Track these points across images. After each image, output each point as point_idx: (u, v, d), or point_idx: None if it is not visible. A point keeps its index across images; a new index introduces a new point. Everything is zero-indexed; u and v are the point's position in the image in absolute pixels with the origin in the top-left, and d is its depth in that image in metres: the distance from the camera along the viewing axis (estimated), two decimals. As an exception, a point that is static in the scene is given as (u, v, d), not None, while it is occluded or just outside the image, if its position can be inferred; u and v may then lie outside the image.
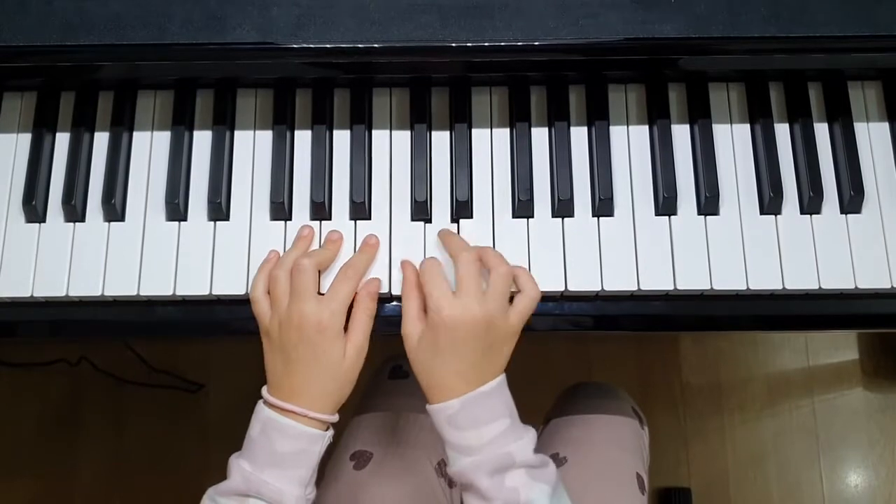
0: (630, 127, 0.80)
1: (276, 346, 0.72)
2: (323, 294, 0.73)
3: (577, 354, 1.58)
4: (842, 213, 0.78)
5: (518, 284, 0.72)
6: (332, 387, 0.71)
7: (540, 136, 0.80)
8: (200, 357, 1.58)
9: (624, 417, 0.96)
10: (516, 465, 0.68)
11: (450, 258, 0.74)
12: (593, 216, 0.78)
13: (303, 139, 0.80)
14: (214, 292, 0.76)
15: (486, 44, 0.71)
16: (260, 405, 0.72)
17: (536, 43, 0.71)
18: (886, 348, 1.58)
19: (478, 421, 0.69)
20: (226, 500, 0.70)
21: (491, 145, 0.80)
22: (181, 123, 0.80)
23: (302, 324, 0.70)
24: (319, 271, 0.74)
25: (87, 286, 0.76)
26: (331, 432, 0.72)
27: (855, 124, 0.79)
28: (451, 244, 0.74)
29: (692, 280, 0.75)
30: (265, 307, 0.73)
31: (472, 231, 0.78)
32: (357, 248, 0.77)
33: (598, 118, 0.79)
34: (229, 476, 0.71)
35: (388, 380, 0.99)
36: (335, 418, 0.72)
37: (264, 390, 0.73)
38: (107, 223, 0.78)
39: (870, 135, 0.79)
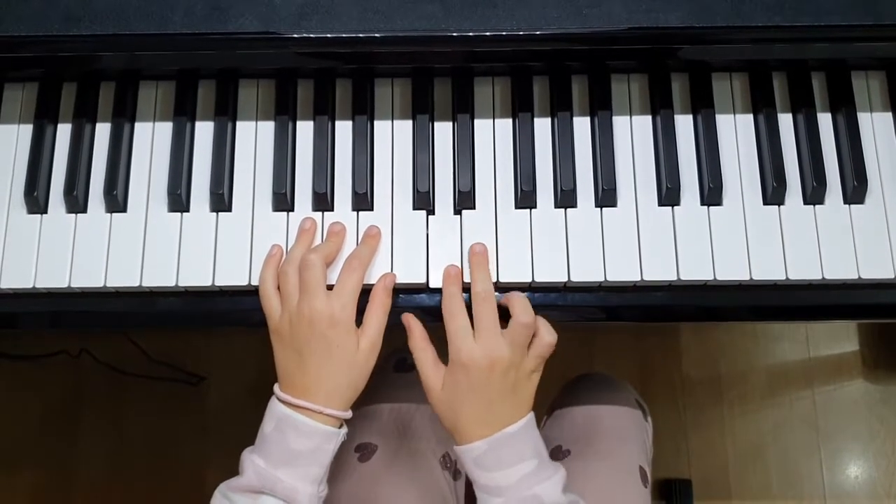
0: (633, 117, 0.80)
1: (287, 343, 0.72)
2: (331, 287, 0.73)
3: (577, 346, 1.58)
4: (845, 203, 0.77)
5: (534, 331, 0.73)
6: (346, 382, 0.71)
7: (543, 127, 0.80)
8: (202, 349, 1.58)
9: (627, 409, 0.96)
10: None
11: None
12: (596, 207, 0.78)
13: (305, 130, 0.80)
14: (217, 283, 0.76)
15: (488, 33, 0.71)
16: (273, 401, 0.72)
17: (538, 32, 0.71)
18: (887, 339, 1.58)
19: (504, 462, 0.70)
20: (238, 496, 0.69)
21: (493, 136, 0.80)
22: (183, 114, 0.80)
23: (314, 319, 0.70)
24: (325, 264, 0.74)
25: (89, 277, 0.76)
26: (345, 430, 0.72)
27: (858, 114, 0.79)
28: (475, 279, 0.74)
29: (696, 270, 0.75)
30: (275, 303, 0.73)
31: (475, 222, 0.77)
32: (359, 240, 0.77)
33: (601, 108, 0.79)
34: (242, 472, 0.70)
35: (392, 372, 0.99)
36: (349, 414, 0.72)
37: (276, 388, 0.72)
38: (109, 214, 0.78)
39: (873, 125, 0.79)
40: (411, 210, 0.78)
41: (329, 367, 0.70)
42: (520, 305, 0.72)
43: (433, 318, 0.75)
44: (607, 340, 1.59)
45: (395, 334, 0.75)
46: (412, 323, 0.74)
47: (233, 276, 0.76)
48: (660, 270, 0.76)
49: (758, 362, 1.59)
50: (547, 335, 0.73)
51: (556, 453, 0.93)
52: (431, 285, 0.76)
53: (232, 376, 1.55)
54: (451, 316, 0.72)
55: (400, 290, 0.77)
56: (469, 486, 0.94)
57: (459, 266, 0.75)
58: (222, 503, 0.70)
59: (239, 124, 0.81)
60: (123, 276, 0.76)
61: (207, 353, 1.58)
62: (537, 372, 0.73)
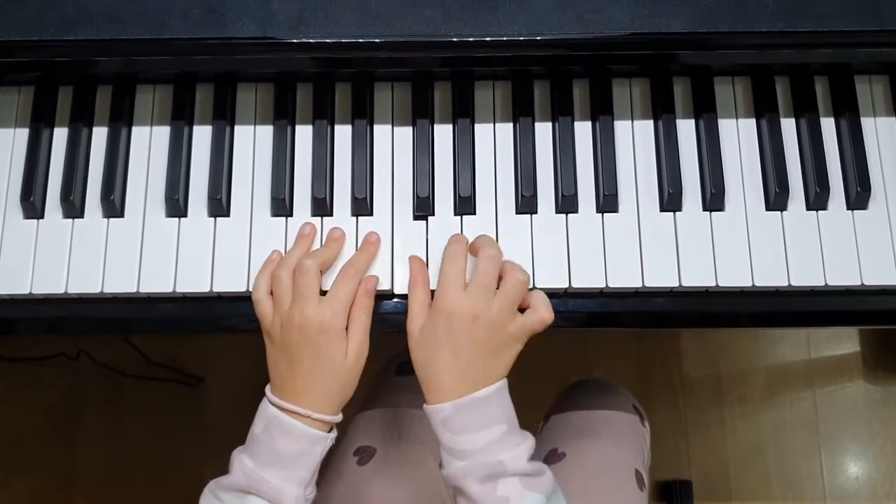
0: (635, 122, 0.79)
1: (278, 347, 0.71)
2: (325, 293, 0.72)
3: (576, 346, 1.58)
4: (848, 209, 0.77)
5: (532, 302, 0.72)
6: (336, 387, 0.71)
7: (543, 131, 0.79)
8: (200, 350, 1.58)
9: (624, 413, 0.96)
10: (508, 473, 0.68)
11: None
12: (597, 212, 0.77)
13: (304, 134, 0.80)
14: (215, 289, 0.76)
15: (488, 39, 0.70)
16: (265, 402, 0.72)
17: (539, 38, 0.70)
18: (888, 341, 1.57)
19: (471, 426, 0.69)
20: (226, 494, 0.70)
21: (494, 140, 0.79)
22: (181, 118, 0.79)
23: (304, 324, 0.69)
24: (321, 271, 0.73)
25: (86, 283, 0.75)
26: (333, 434, 0.72)
27: (862, 119, 0.78)
28: (484, 241, 0.73)
29: (697, 277, 0.75)
30: (268, 308, 0.73)
31: (475, 227, 0.77)
32: (358, 246, 0.76)
33: (602, 113, 0.79)
34: (231, 470, 0.71)
35: (394, 376, 0.99)
36: (338, 418, 0.72)
37: (268, 389, 0.72)
38: (106, 219, 0.78)
39: (877, 130, 0.79)
40: (411, 215, 0.78)
41: (318, 373, 0.70)
42: (515, 264, 0.72)
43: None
44: (607, 341, 1.59)
45: (396, 339, 0.75)
46: (418, 266, 0.74)
47: (231, 282, 0.76)
48: (661, 276, 0.75)
49: (758, 363, 1.59)
50: (545, 312, 0.71)
51: (552, 456, 0.93)
52: (432, 287, 0.75)
53: (230, 377, 1.55)
54: (451, 259, 0.71)
55: (399, 296, 0.77)
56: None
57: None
58: (211, 500, 0.70)
59: (237, 128, 0.80)
60: (121, 282, 0.76)
61: (206, 354, 1.57)
62: (520, 343, 0.71)
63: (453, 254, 0.71)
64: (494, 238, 0.76)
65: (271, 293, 0.73)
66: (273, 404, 0.71)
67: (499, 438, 0.68)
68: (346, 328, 0.71)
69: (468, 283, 0.70)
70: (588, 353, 1.58)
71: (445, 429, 0.69)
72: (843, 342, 1.59)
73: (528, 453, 0.69)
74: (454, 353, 0.69)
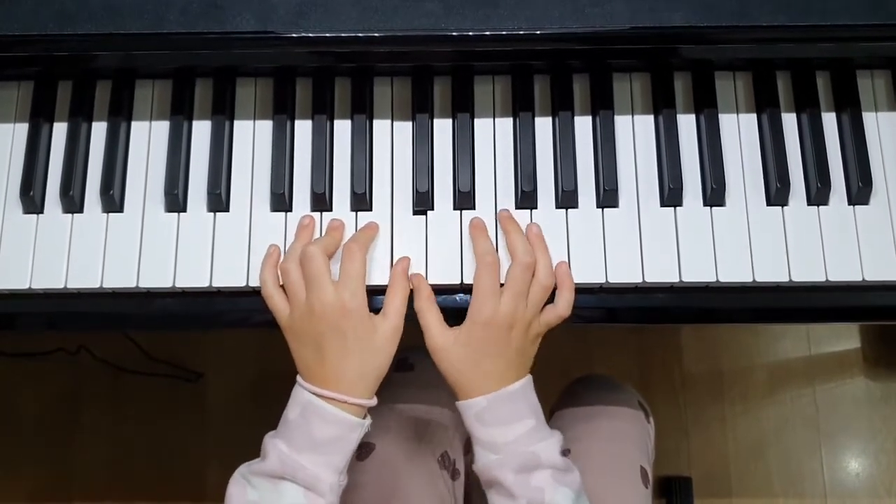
0: (635, 116, 0.79)
1: (302, 340, 0.71)
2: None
3: (576, 342, 1.57)
4: (849, 204, 0.77)
5: (556, 295, 0.74)
6: (368, 369, 0.71)
7: (543, 126, 0.79)
8: (199, 346, 1.57)
9: (629, 410, 0.96)
10: (542, 465, 0.70)
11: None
12: (598, 207, 0.77)
13: (303, 129, 0.79)
14: (214, 284, 0.75)
15: (488, 33, 0.70)
16: (298, 388, 0.71)
17: (539, 32, 0.70)
18: (888, 337, 1.57)
19: (504, 419, 0.70)
20: (259, 479, 0.69)
21: (494, 135, 0.79)
22: (180, 113, 0.79)
23: (325, 311, 0.69)
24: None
25: (85, 278, 0.75)
26: (368, 420, 0.72)
27: (863, 114, 0.78)
28: (513, 240, 0.74)
29: (698, 272, 0.75)
30: (280, 301, 0.72)
31: (475, 222, 0.77)
32: (358, 240, 0.76)
33: (602, 108, 0.78)
34: (265, 456, 0.70)
35: (393, 372, 0.98)
36: (374, 402, 0.72)
37: (299, 377, 0.72)
38: (105, 214, 0.77)
39: (878, 125, 0.78)
40: (410, 210, 0.77)
41: (349, 357, 0.70)
42: (544, 267, 0.73)
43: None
44: (606, 338, 1.58)
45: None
46: (421, 282, 0.74)
47: (230, 276, 0.76)
48: (661, 272, 0.75)
49: (759, 360, 1.59)
50: (564, 308, 0.74)
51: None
52: (431, 283, 0.75)
53: (230, 372, 1.55)
54: (486, 272, 0.72)
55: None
56: (468, 485, 0.94)
57: (460, 268, 0.75)
58: (242, 485, 0.70)
59: (237, 123, 0.80)
60: (120, 277, 0.76)
61: (205, 349, 1.57)
62: (541, 337, 0.74)
63: (488, 266, 0.72)
64: (494, 233, 0.76)
65: (281, 286, 0.73)
66: (307, 390, 0.70)
67: (529, 431, 0.70)
68: (381, 308, 0.72)
69: (502, 291, 0.71)
70: (588, 349, 1.58)
71: (479, 422, 0.71)
72: (844, 339, 1.59)
73: (559, 447, 0.71)
74: (491, 356, 0.71)
